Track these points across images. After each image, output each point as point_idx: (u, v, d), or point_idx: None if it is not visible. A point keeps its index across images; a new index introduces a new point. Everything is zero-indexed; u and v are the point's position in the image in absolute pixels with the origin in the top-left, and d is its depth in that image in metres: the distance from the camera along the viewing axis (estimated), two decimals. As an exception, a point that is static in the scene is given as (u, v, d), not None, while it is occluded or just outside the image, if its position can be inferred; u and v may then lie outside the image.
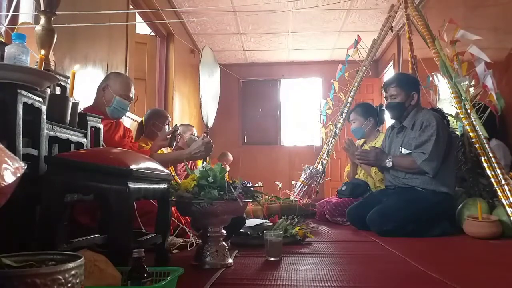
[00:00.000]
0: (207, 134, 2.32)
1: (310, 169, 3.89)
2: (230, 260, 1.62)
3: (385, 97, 2.87)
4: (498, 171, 2.52)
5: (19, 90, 1.21)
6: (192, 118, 6.08)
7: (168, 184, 1.60)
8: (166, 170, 1.62)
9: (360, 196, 3.18)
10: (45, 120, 1.36)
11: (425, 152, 2.53)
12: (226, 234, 1.67)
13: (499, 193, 2.46)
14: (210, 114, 2.34)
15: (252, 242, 2.06)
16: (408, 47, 3.75)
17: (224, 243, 1.63)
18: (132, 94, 2.31)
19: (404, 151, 2.70)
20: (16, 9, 2.08)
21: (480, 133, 2.68)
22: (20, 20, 2.10)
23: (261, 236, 1.99)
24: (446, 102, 3.07)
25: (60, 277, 0.77)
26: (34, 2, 2.20)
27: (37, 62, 1.49)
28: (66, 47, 2.63)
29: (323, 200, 3.59)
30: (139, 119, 3.57)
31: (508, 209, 2.38)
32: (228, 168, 5.59)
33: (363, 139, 3.57)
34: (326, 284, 1.32)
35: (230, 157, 6.17)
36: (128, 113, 3.64)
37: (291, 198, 3.77)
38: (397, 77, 2.89)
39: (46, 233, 1.24)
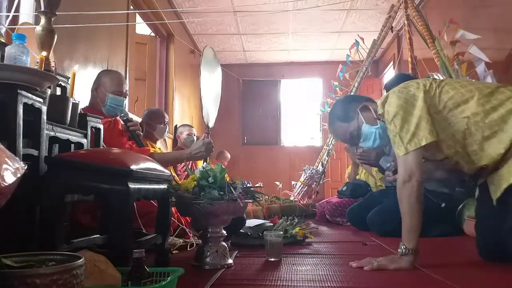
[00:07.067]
0: (207, 135, 2.32)
1: (310, 169, 3.90)
2: (230, 261, 1.62)
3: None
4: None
5: (19, 91, 1.21)
6: (192, 118, 6.08)
7: (168, 185, 1.60)
8: (166, 171, 1.62)
9: (360, 197, 3.18)
10: (45, 121, 1.36)
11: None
12: (226, 234, 1.67)
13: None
14: (211, 114, 2.34)
15: (252, 242, 2.06)
16: (408, 47, 3.75)
17: (224, 243, 1.63)
18: (125, 88, 2.28)
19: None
20: (17, 9, 2.07)
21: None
22: (21, 20, 2.10)
23: (261, 236, 1.99)
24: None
25: (60, 277, 0.77)
26: (34, 2, 2.20)
27: (38, 62, 1.49)
28: (66, 47, 2.63)
29: (324, 200, 3.59)
30: (139, 120, 3.57)
31: (508, 210, 2.38)
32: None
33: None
34: (326, 285, 1.32)
35: (228, 154, 6.20)
36: (128, 114, 3.65)
37: (291, 198, 3.77)
38: (398, 78, 2.89)
39: (46, 233, 1.24)
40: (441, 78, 3.11)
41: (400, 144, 1.57)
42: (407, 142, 1.55)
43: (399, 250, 1.57)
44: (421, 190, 1.55)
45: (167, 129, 3.29)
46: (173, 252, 1.89)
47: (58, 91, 1.75)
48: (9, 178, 0.76)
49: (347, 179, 3.71)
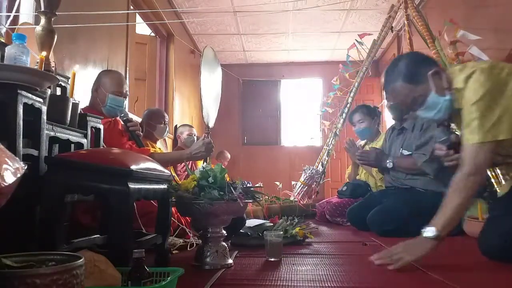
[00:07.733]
0: (207, 135, 2.32)
1: (310, 169, 3.90)
2: (230, 261, 1.62)
3: (386, 98, 2.87)
4: (498, 171, 2.52)
5: (19, 91, 1.21)
6: (192, 118, 6.08)
7: (168, 185, 1.60)
8: (166, 171, 1.62)
9: (360, 197, 3.18)
10: (45, 121, 1.36)
11: (426, 154, 2.53)
12: (226, 234, 1.67)
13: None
14: (211, 114, 2.34)
15: (252, 242, 2.06)
16: (408, 47, 3.75)
17: (224, 243, 1.63)
18: (125, 89, 2.28)
19: (404, 152, 2.70)
20: (17, 9, 2.07)
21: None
22: (21, 20, 2.10)
23: (261, 236, 1.99)
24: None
25: (60, 277, 0.77)
26: (34, 2, 2.20)
27: (38, 62, 1.50)
28: (66, 47, 2.63)
29: (324, 200, 3.59)
30: (139, 120, 3.57)
31: (508, 210, 2.37)
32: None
33: (365, 140, 3.57)
34: (326, 285, 1.32)
35: (228, 154, 6.21)
36: (128, 114, 3.65)
37: (291, 198, 3.77)
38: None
39: (46, 233, 1.24)
40: None
41: (475, 131, 1.48)
42: (485, 132, 1.46)
43: (427, 232, 1.54)
44: (480, 185, 1.54)
45: (167, 129, 3.29)
46: (173, 252, 1.89)
47: (58, 91, 1.75)
48: (9, 178, 0.76)
49: (347, 179, 3.71)
